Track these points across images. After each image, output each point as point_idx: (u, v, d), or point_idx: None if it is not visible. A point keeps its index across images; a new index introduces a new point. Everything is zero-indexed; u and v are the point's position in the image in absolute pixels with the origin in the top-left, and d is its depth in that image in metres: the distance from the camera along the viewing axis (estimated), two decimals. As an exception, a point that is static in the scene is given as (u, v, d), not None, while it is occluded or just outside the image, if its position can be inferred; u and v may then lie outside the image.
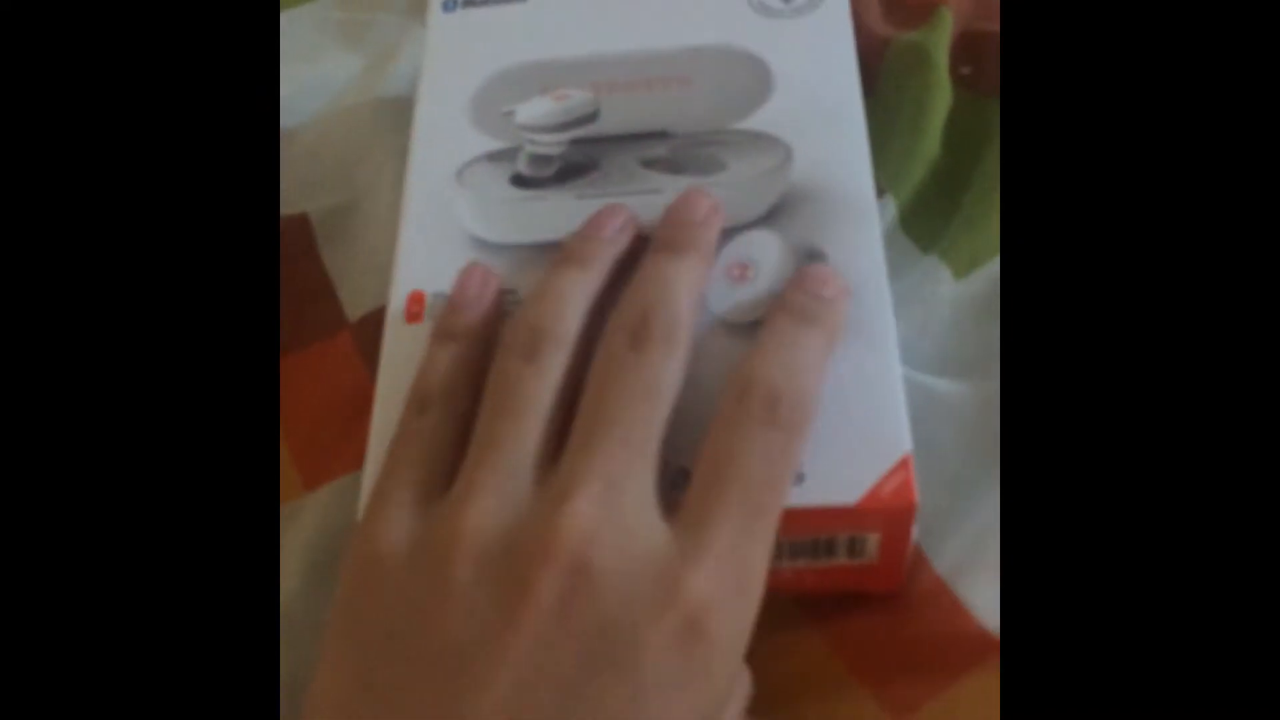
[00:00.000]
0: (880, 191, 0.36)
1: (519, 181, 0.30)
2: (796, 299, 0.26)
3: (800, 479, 0.25)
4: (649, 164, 0.30)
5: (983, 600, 0.28)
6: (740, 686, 0.24)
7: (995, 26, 0.41)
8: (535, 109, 0.31)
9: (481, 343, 0.27)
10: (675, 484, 0.24)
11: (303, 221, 0.37)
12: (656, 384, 0.24)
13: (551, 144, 0.31)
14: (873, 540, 0.26)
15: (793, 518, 0.24)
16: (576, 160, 0.30)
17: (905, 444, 0.26)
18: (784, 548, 0.25)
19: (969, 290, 0.34)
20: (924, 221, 0.36)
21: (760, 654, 0.28)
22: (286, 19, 0.41)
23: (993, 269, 0.34)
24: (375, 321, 0.31)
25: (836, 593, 0.28)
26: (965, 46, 0.40)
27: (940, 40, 0.39)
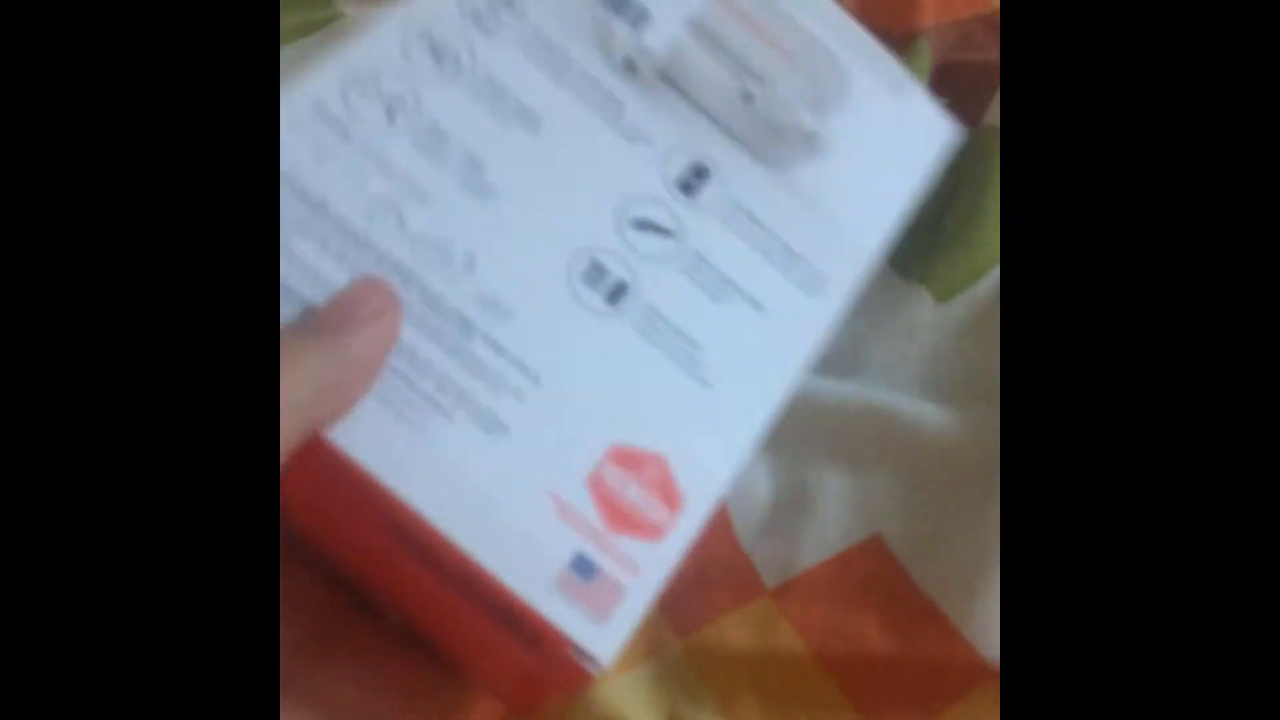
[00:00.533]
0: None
1: None
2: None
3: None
4: None
5: (977, 626, 0.28)
6: None
7: (975, 57, 0.41)
8: None
9: None
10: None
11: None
12: None
13: None
14: None
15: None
16: None
17: None
18: None
19: (950, 314, 0.35)
20: (905, 249, 0.36)
21: (758, 672, 0.28)
22: (282, 53, 0.41)
23: (973, 294, 0.35)
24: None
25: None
26: (944, 77, 0.41)
27: (918, 71, 0.40)
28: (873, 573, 0.30)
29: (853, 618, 0.29)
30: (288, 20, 0.42)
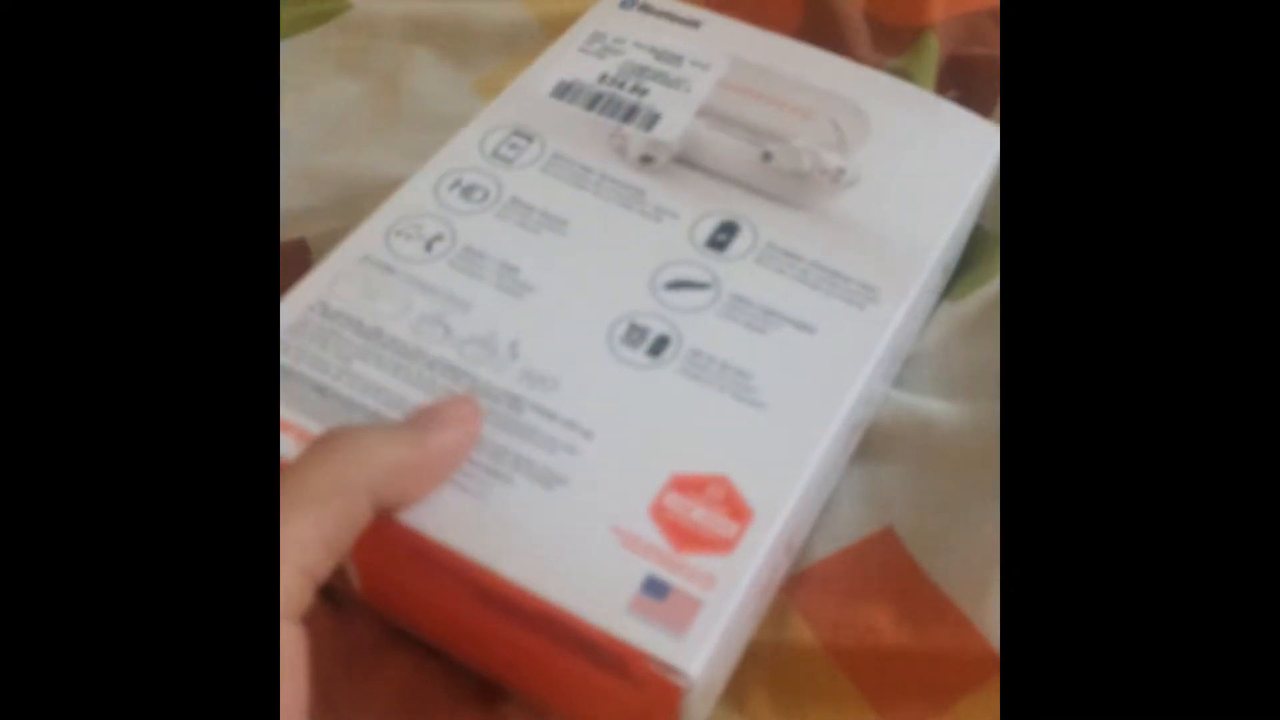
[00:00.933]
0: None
1: None
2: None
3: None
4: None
5: (988, 617, 0.28)
6: None
7: (984, 51, 0.41)
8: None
9: None
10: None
11: (300, 246, 0.37)
12: None
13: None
14: None
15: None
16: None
17: None
18: None
19: (960, 311, 0.35)
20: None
21: (769, 664, 0.28)
22: (284, 48, 0.41)
23: (985, 292, 0.35)
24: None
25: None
26: (953, 70, 0.41)
27: (925, 66, 0.40)
28: (884, 565, 0.30)
29: (864, 610, 0.29)
30: (300, 10, 0.42)
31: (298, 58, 0.41)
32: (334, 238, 0.38)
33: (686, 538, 0.24)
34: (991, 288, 0.35)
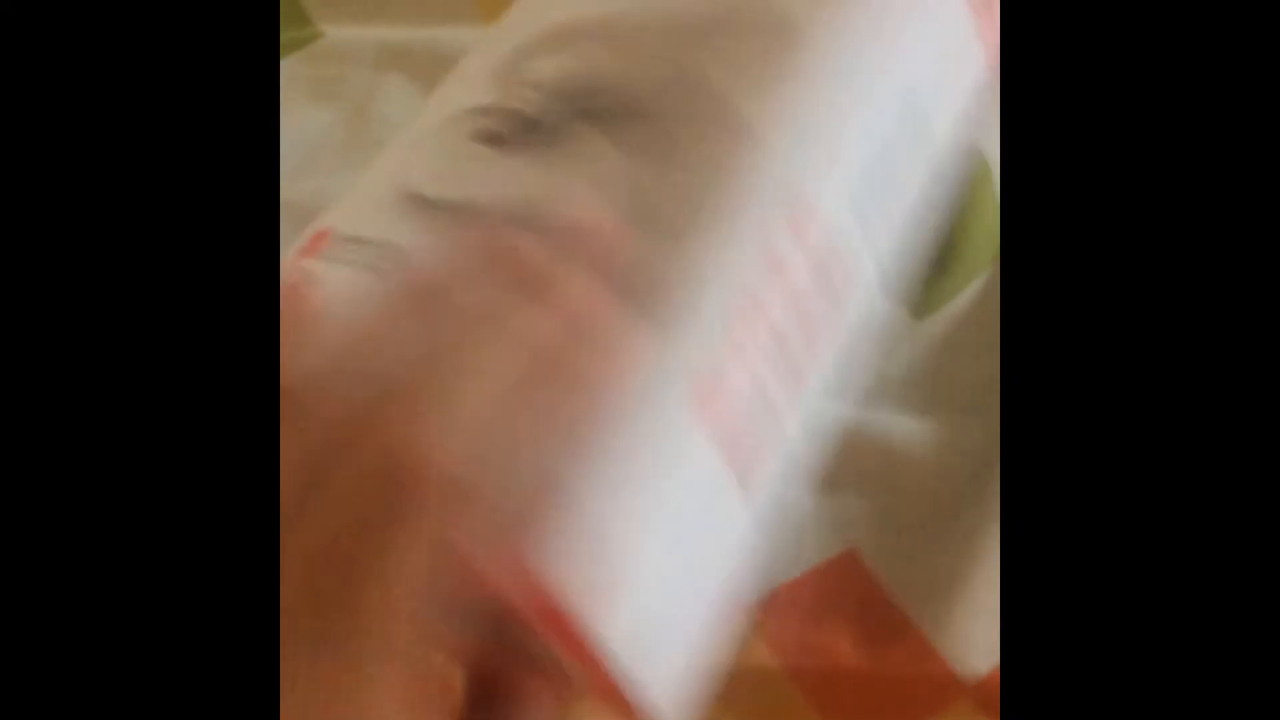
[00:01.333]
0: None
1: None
2: None
3: None
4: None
5: (951, 641, 0.28)
6: None
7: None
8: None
9: None
10: None
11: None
12: None
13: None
14: None
15: None
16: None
17: None
18: None
19: (927, 330, 0.35)
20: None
21: (731, 688, 0.28)
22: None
23: (951, 309, 0.35)
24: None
25: None
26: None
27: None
28: (847, 587, 0.30)
29: (826, 632, 0.29)
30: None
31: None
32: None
33: None
34: (956, 304, 0.35)
